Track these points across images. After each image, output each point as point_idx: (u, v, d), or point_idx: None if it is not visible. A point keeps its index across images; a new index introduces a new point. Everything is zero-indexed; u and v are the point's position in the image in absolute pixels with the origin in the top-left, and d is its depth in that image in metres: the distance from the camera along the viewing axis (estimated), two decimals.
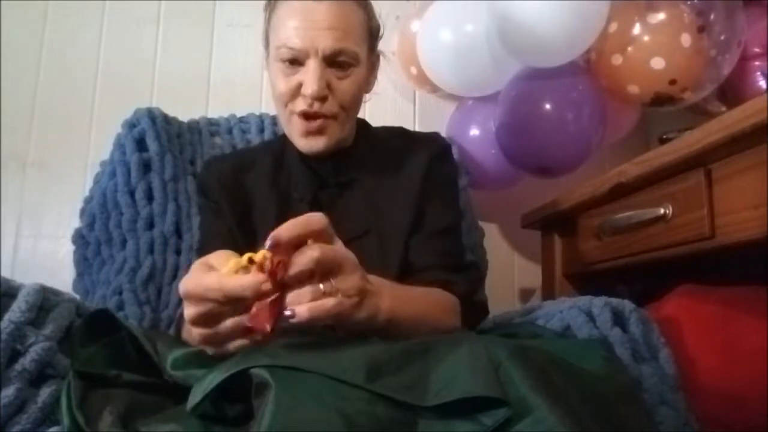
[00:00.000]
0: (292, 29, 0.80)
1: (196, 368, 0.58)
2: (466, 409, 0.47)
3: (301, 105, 0.82)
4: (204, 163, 1.04)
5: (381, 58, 0.94)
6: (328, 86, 0.81)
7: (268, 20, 0.87)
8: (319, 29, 0.79)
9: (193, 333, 0.58)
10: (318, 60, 0.80)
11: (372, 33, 0.88)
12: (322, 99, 0.81)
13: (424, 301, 0.77)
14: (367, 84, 0.90)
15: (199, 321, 0.56)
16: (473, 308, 0.87)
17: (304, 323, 0.55)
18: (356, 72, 0.83)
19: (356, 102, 0.87)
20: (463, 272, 0.89)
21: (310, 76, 0.80)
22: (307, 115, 0.82)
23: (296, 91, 0.82)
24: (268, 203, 0.90)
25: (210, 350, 0.58)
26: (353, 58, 0.82)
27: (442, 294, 0.82)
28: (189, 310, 0.56)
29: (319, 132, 0.83)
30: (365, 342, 0.60)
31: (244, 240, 0.87)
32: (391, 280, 0.73)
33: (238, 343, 0.57)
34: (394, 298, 0.69)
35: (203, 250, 0.92)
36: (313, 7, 0.80)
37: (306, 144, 0.85)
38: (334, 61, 0.81)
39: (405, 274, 0.85)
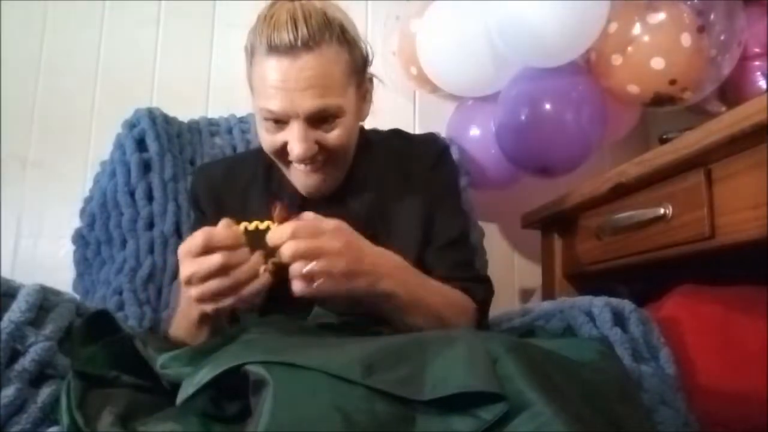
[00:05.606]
0: (271, 91, 0.76)
1: (185, 366, 0.58)
2: (464, 404, 0.47)
3: (291, 160, 0.81)
4: (194, 171, 1.03)
5: (374, 80, 0.89)
6: (317, 142, 0.79)
7: (250, 64, 0.83)
8: (297, 90, 0.75)
9: (190, 292, 0.65)
10: (300, 121, 0.77)
11: (357, 69, 0.82)
12: (311, 158, 0.80)
13: (439, 292, 0.78)
14: (359, 119, 0.87)
15: (192, 279, 0.64)
16: (486, 319, 0.88)
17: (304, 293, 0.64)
18: (344, 122, 0.79)
19: (348, 146, 0.84)
20: (480, 283, 0.89)
21: (295, 140, 0.77)
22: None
23: (284, 149, 0.80)
24: (260, 207, 0.89)
25: (207, 307, 0.66)
26: (337, 111, 0.78)
27: (461, 295, 0.81)
28: (184, 269, 0.64)
29: (315, 173, 0.82)
30: (361, 339, 0.60)
31: None
32: None
33: (229, 300, 0.64)
34: (402, 274, 0.72)
35: None
36: (289, 66, 0.75)
37: (305, 188, 0.84)
38: (317, 119, 0.78)
39: None
